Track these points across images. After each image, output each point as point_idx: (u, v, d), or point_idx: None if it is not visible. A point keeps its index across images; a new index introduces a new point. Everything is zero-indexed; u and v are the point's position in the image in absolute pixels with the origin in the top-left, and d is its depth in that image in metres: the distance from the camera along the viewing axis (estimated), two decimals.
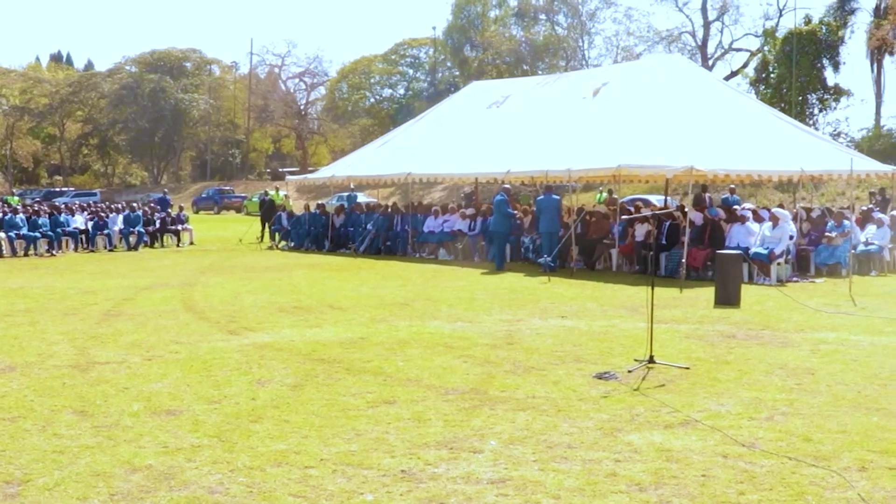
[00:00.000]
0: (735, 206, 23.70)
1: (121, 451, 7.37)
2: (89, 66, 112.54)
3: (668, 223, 22.35)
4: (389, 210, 31.32)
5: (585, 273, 22.44)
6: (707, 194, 24.44)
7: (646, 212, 24.01)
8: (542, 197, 24.13)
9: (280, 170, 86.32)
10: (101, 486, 6.56)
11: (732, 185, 27.05)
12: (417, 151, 30.65)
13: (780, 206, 26.32)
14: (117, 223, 32.66)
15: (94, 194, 72.09)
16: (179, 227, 34.75)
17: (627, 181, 31.44)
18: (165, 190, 49.05)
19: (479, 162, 27.20)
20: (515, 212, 25.69)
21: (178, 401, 9.08)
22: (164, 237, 33.89)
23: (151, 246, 32.75)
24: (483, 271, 22.92)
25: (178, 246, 33.41)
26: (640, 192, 40.40)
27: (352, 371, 10.47)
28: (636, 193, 40.10)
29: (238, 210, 70.82)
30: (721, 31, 76.18)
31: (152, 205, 36.84)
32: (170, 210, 36.98)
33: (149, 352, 11.84)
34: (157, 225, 34.05)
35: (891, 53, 55.25)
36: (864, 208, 25.23)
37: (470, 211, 28.51)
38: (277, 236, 33.53)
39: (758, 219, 21.81)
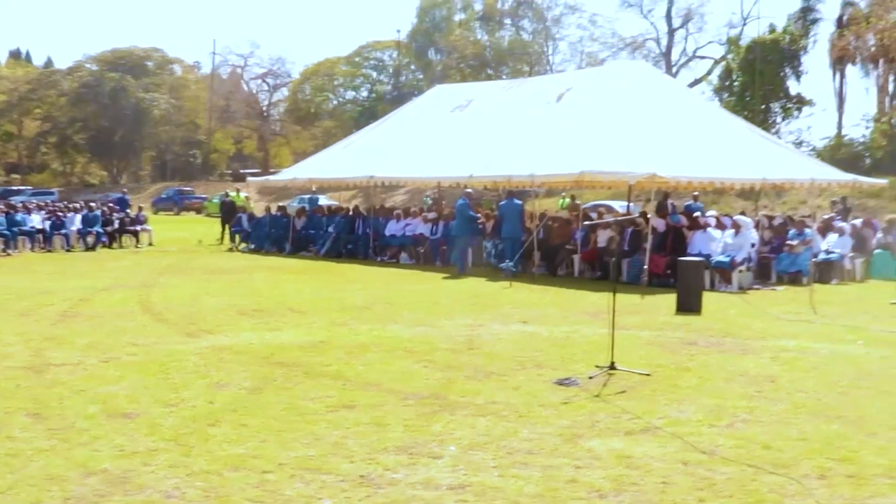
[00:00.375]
0: (697, 214, 23.78)
1: (76, 455, 7.26)
2: (49, 63, 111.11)
3: (630, 230, 22.40)
4: (351, 213, 31.31)
5: (547, 278, 22.44)
6: (670, 201, 24.55)
7: (608, 218, 24.07)
8: (504, 202, 24.18)
9: (241, 171, 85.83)
10: (56, 489, 6.45)
11: (696, 192, 27.15)
12: (380, 154, 30.52)
13: (743, 213, 26.47)
14: (75, 223, 32.34)
15: (52, 193, 71.27)
16: (138, 228, 34.46)
17: (590, 187, 31.45)
18: (125, 190, 48.54)
19: (442, 166, 27.15)
20: (478, 216, 25.68)
21: (135, 403, 8.97)
22: (123, 238, 33.55)
23: (110, 246, 32.44)
24: (444, 276, 22.89)
25: (136, 247, 33.14)
26: (603, 197, 40.32)
27: (311, 375, 10.39)
28: (599, 199, 40.05)
29: (198, 211, 70.27)
30: (685, 39, 76.83)
31: (111, 205, 36.45)
32: (129, 210, 36.68)
33: (105, 354, 11.69)
34: (116, 225, 33.73)
35: (853, 63, 55.75)
36: (826, 217, 25.45)
37: (432, 215, 28.45)
38: (238, 238, 33.30)
39: (720, 226, 21.89)
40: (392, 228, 28.57)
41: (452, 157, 27.21)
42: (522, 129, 26.77)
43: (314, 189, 35.84)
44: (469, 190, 25.56)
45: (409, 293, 18.88)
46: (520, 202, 24.19)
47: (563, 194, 39.40)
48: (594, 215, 25.91)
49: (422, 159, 28.46)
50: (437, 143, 29.12)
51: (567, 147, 23.64)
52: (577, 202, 30.65)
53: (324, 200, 42.34)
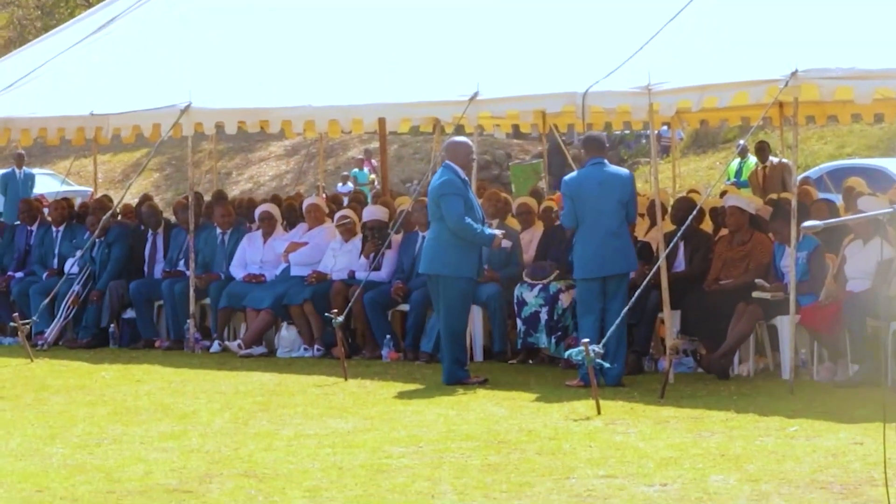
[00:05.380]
0: None
1: None
2: None
3: None
4: (131, 218, 13.57)
5: (702, 385, 9.36)
6: None
7: (880, 207, 8.31)
8: (578, 173, 9.88)
9: None
10: None
11: None
12: (204, 49, 12.72)
13: None
14: None
15: None
16: None
17: (813, 113, 13.98)
18: None
19: (380, 76, 11.32)
20: (495, 231, 10.03)
21: None
22: None
23: None
24: (407, 387, 9.70)
25: None
26: (854, 149, 21.57)
27: None
28: (841, 157, 20.89)
29: None
30: None
31: None
32: None
33: None
34: None
35: None
36: None
37: (372, 212, 11.91)
38: None
39: None
40: (250, 259, 12.13)
41: (406, 51, 11.52)
42: None
43: (20, 152, 18.17)
44: (462, 139, 10.12)
45: (303, 440, 7.63)
46: (624, 172, 10.19)
47: (740, 142, 19.89)
48: (835, 199, 12.39)
49: (320, 60, 11.94)
50: (353, 12, 12.49)
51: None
52: (781, 160, 14.75)
53: (46, 184, 21.46)
